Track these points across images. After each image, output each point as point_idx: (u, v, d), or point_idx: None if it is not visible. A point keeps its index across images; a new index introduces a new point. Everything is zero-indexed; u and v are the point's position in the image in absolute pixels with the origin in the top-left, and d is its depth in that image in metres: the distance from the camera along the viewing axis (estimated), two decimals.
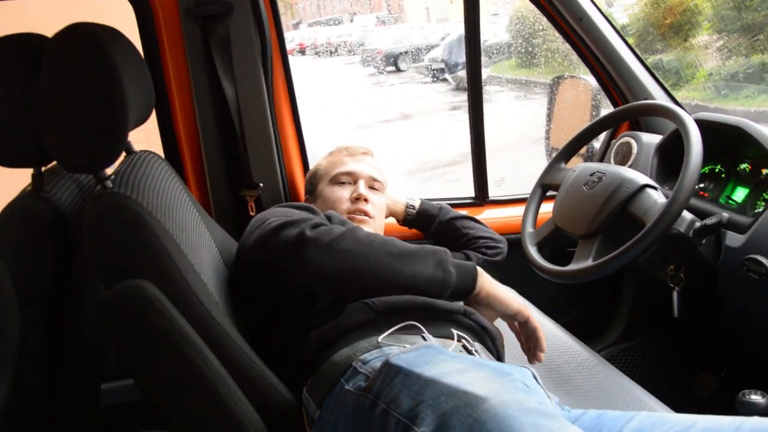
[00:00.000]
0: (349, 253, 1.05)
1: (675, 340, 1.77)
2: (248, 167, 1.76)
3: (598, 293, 1.90)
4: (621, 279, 1.86)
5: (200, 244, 1.14)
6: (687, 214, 1.27)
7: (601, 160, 1.81)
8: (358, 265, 1.06)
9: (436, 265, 1.11)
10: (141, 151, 1.17)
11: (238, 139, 1.73)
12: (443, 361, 0.92)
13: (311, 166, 1.76)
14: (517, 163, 4.82)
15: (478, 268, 1.18)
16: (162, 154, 1.54)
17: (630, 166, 1.56)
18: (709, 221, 1.25)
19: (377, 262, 1.07)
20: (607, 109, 1.84)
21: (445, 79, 7.70)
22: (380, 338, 1.02)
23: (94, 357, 1.20)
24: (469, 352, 1.07)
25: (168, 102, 1.72)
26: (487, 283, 1.17)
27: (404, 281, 1.08)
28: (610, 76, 1.75)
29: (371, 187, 1.64)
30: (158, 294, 0.89)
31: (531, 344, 1.19)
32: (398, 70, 8.61)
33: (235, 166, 1.78)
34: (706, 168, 1.51)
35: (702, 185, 1.52)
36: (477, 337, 1.14)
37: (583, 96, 1.93)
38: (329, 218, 1.40)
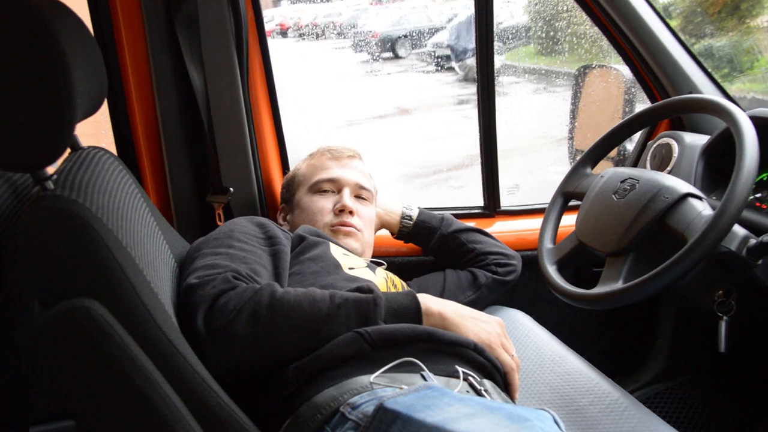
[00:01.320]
0: (246, 339, 1.05)
1: (724, 380, 1.76)
2: (217, 169, 1.76)
3: (630, 322, 1.90)
4: (658, 306, 1.86)
5: (158, 257, 1.14)
6: (739, 229, 1.27)
7: (635, 164, 1.82)
8: (259, 351, 1.07)
9: (360, 322, 1.11)
10: (89, 147, 1.17)
11: (206, 135, 1.74)
12: (448, 404, 0.92)
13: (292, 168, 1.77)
14: (535, 168, 4.83)
15: (425, 301, 1.18)
16: (114, 151, 1.54)
17: (669, 172, 1.57)
18: (766, 238, 1.24)
19: (281, 343, 1.07)
20: (643, 104, 1.84)
21: (451, 68, 7.72)
22: (372, 378, 1.02)
23: (21, 394, 1.18)
24: (478, 392, 1.07)
25: (123, 90, 1.72)
26: (439, 315, 1.17)
27: (322, 354, 1.07)
28: (648, 66, 1.76)
29: (358, 197, 1.65)
30: (108, 316, 0.88)
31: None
32: (396, 56, 8.63)
33: (202, 166, 1.78)
34: (764, 174, 1.51)
35: (758, 195, 1.50)
36: (488, 375, 1.14)
37: (615, 89, 1.94)
38: (301, 239, 1.41)
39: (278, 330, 1.07)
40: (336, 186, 1.63)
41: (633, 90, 1.89)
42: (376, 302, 1.13)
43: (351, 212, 1.59)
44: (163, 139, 1.74)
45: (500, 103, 1.99)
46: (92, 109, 1.07)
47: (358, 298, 1.14)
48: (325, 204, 1.60)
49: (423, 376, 1.04)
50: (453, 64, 7.63)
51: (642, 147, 1.85)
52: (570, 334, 1.73)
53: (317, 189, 1.63)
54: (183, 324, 1.08)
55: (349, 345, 1.07)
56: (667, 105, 1.48)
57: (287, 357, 1.07)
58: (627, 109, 1.91)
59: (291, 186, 1.71)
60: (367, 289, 1.17)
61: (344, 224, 1.57)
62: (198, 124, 1.74)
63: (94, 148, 1.18)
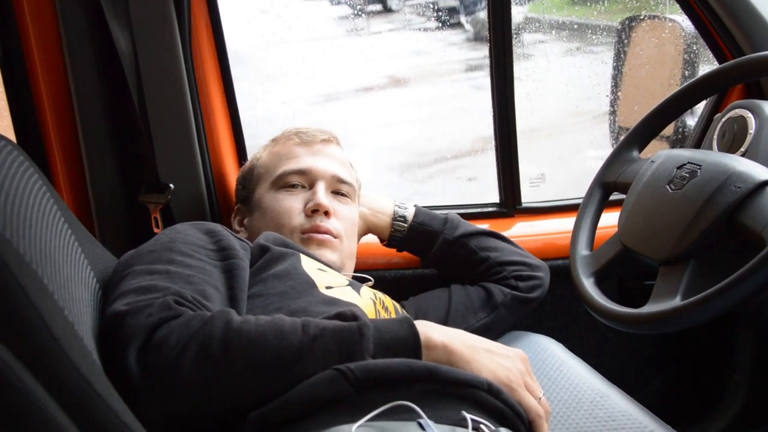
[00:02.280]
0: (193, 383, 1.04)
1: None
2: (152, 159, 1.76)
3: (695, 352, 1.91)
4: (732, 331, 1.87)
5: (74, 276, 1.13)
6: None
7: (698, 145, 1.82)
8: (209, 398, 1.06)
9: (341, 359, 1.09)
10: None
11: (137, 116, 1.73)
12: None
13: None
14: (567, 153, 4.84)
15: (425, 330, 1.17)
16: (13, 139, 1.53)
17: (743, 154, 1.57)
18: None
19: (239, 387, 1.06)
20: (708, 65, 1.84)
21: (458, 24, 7.73)
22: (355, 427, 1.01)
23: None
24: None
25: (23, 59, 1.71)
26: (443, 348, 1.16)
27: (291, 398, 1.07)
28: (715, 15, 1.75)
29: (336, 192, 1.66)
30: (5, 354, 0.87)
31: None
32: (386, 9, 8.58)
33: (132, 157, 1.78)
34: None
35: None
36: (506, 423, 1.14)
37: (671, 46, 1.94)
38: (263, 250, 1.41)
39: (235, 371, 1.06)
40: (307, 179, 1.63)
41: (695, 47, 1.89)
42: (362, 332, 1.12)
43: (327, 213, 1.59)
44: (80, 122, 1.74)
45: (521, 69, 2.00)
46: None
47: (339, 327, 1.13)
48: (293, 203, 1.60)
49: (420, 425, 1.03)
50: (461, 18, 7.63)
51: (707, 122, 1.86)
52: (615, 367, 1.74)
53: (283, 184, 1.63)
54: (108, 363, 1.07)
55: (327, 386, 1.06)
56: (742, 65, 1.46)
57: (246, 403, 1.07)
58: (687, 73, 1.92)
59: (249, 180, 1.71)
60: (350, 315, 1.16)
61: (318, 229, 1.57)
62: (126, 100, 1.73)
63: None
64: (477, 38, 7.13)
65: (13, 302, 0.91)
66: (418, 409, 1.04)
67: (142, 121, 1.73)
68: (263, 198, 1.64)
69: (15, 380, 0.87)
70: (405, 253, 1.83)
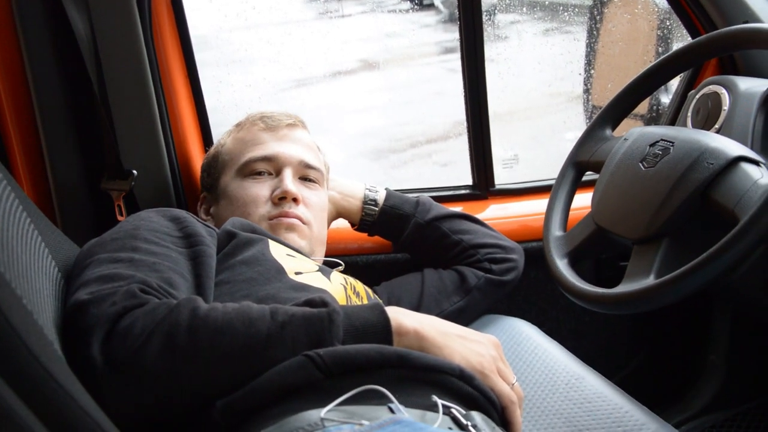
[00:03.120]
0: (159, 372, 1.04)
1: None
2: (114, 145, 1.74)
3: (671, 333, 1.92)
4: (709, 311, 1.88)
5: (33, 265, 1.12)
6: None
7: (672, 123, 1.84)
8: (175, 387, 1.06)
9: (310, 345, 1.09)
10: None
11: (97, 100, 1.72)
12: None
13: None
14: (542, 135, 4.85)
15: (396, 316, 1.18)
16: None
17: (718, 131, 1.58)
18: None
19: (206, 375, 1.07)
20: (681, 41, 1.85)
21: (431, 5, 7.71)
22: (324, 412, 1.01)
23: None
24: (464, 428, 1.06)
25: None
26: (415, 334, 1.17)
27: (258, 385, 1.07)
28: None
29: (304, 178, 1.66)
30: None
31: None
32: None
33: (93, 142, 1.77)
34: None
35: None
36: (478, 408, 1.14)
37: (644, 22, 1.95)
38: (230, 236, 1.40)
39: (202, 359, 1.06)
40: (273, 166, 1.63)
41: (669, 23, 1.90)
42: (332, 319, 1.12)
43: (295, 200, 1.59)
44: (37, 108, 1.72)
45: (495, 49, 2.01)
46: None
47: (308, 313, 1.13)
48: (259, 191, 1.60)
49: (391, 409, 1.03)
50: None
51: (681, 99, 1.87)
52: (591, 349, 1.75)
53: (249, 171, 1.63)
54: (71, 353, 1.06)
55: (295, 372, 1.06)
56: (715, 40, 1.47)
57: (214, 392, 1.07)
58: (660, 49, 1.93)
59: (214, 168, 1.70)
60: (319, 301, 1.16)
61: (287, 215, 1.57)
62: (85, 86, 1.72)
63: None
64: (451, 20, 7.12)
65: None
66: (389, 394, 1.04)
67: (102, 107, 1.72)
68: (229, 186, 1.64)
69: None
70: (377, 238, 1.84)
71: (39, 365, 0.93)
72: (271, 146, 1.64)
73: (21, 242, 1.12)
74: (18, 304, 0.96)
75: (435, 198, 1.84)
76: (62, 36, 1.69)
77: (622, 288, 1.29)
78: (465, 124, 2.02)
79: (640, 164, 1.39)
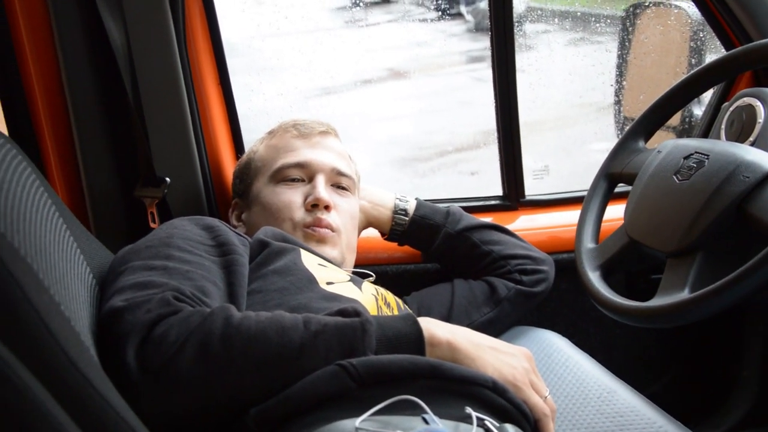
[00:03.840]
0: (193, 380, 1.05)
1: None
2: (148, 153, 1.76)
3: (704, 347, 1.91)
4: (742, 325, 1.87)
5: (70, 272, 1.13)
6: None
7: (705, 135, 1.82)
8: (209, 395, 1.07)
9: (343, 355, 1.10)
10: None
11: (132, 110, 1.73)
12: None
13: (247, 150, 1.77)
14: (571, 145, 4.83)
15: (428, 327, 1.18)
16: (4, 131, 1.53)
17: (753, 143, 1.56)
18: None
19: (240, 384, 1.07)
20: (715, 53, 1.84)
21: (459, 15, 7.71)
22: (358, 422, 1.01)
23: None
24: None
25: (13, 49, 1.72)
26: (447, 345, 1.17)
27: (292, 393, 1.07)
28: (722, 0, 1.74)
29: (336, 185, 1.66)
30: (2, 351, 0.87)
31: None
32: (385, 1, 8.59)
33: (127, 150, 1.78)
34: None
35: None
36: (511, 422, 1.14)
37: (677, 34, 1.94)
38: (262, 245, 1.41)
39: (235, 367, 1.07)
40: (306, 173, 1.63)
41: (702, 34, 1.89)
42: (365, 328, 1.13)
43: (327, 207, 1.59)
44: (73, 115, 1.74)
45: (523, 59, 2.00)
46: None
47: (341, 323, 1.13)
48: (292, 197, 1.60)
49: (425, 420, 1.03)
50: (461, 8, 7.61)
51: (714, 111, 1.85)
52: (623, 362, 1.74)
53: (282, 177, 1.63)
54: (106, 359, 1.07)
55: (329, 381, 1.06)
56: (750, 52, 1.45)
57: (247, 400, 1.07)
58: (694, 61, 1.92)
59: (246, 174, 1.71)
60: (352, 311, 1.17)
61: (319, 223, 1.58)
62: (120, 93, 1.73)
63: None
64: (478, 29, 7.11)
65: (9, 297, 0.91)
66: (423, 404, 1.04)
67: (137, 115, 1.73)
68: (261, 192, 1.64)
69: (12, 376, 0.87)
70: (406, 248, 1.84)
71: (77, 371, 0.94)
72: (304, 153, 1.64)
73: (58, 248, 1.13)
74: (56, 310, 0.98)
75: (465, 208, 1.83)
76: (98, 44, 1.71)
77: (657, 301, 1.28)
78: (492, 133, 2.02)
79: (674, 177, 1.38)
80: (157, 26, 1.70)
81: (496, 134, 2.02)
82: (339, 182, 1.66)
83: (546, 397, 1.20)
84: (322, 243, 1.58)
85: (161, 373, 1.04)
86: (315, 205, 1.59)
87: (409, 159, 5.73)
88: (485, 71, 1.99)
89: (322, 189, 1.60)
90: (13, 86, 1.73)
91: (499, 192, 2.06)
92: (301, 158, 1.64)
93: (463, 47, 7.57)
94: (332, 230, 1.59)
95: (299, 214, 1.59)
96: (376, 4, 8.48)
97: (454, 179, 5.24)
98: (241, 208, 1.72)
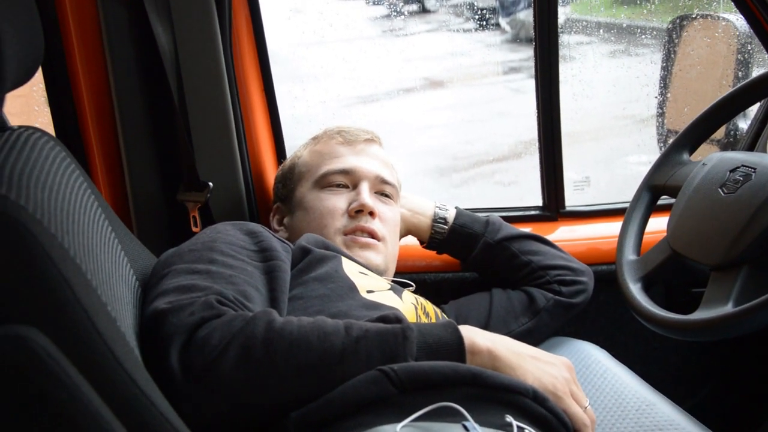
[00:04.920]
0: (235, 383, 1.06)
1: None
2: (191, 157, 1.77)
3: (746, 360, 1.89)
4: None
5: (115, 273, 1.14)
6: None
7: (751, 149, 1.81)
8: (251, 398, 1.07)
9: (383, 361, 1.10)
10: (20, 126, 1.17)
11: (176, 112, 1.75)
12: None
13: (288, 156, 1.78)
14: (612, 157, 4.80)
15: (469, 335, 1.17)
16: (52, 132, 1.55)
17: None
18: None
19: (281, 387, 1.08)
20: (762, 66, 1.82)
21: (497, 25, 7.69)
22: (399, 427, 1.01)
23: None
24: None
25: (63, 52, 1.74)
26: (488, 353, 1.17)
27: (333, 398, 1.08)
28: None
29: (380, 193, 1.66)
30: (51, 348, 0.88)
31: None
32: (424, 10, 8.56)
33: (171, 154, 1.80)
34: None
35: None
36: (551, 430, 1.14)
37: (724, 46, 1.92)
38: (304, 252, 1.41)
39: (277, 371, 1.07)
40: (351, 179, 1.64)
41: (749, 47, 1.87)
42: (406, 335, 1.13)
43: (371, 213, 1.60)
44: (119, 118, 1.76)
45: (565, 70, 1.99)
46: (24, 77, 1.08)
47: (383, 329, 1.13)
48: (337, 203, 1.61)
49: (465, 427, 1.03)
50: (500, 19, 7.60)
51: (761, 125, 1.83)
52: (662, 375, 1.72)
53: (326, 183, 1.64)
54: (150, 360, 1.08)
55: (369, 386, 1.06)
56: None
57: (288, 404, 1.08)
58: (740, 74, 1.90)
59: (289, 179, 1.71)
60: (393, 317, 1.17)
61: (362, 229, 1.58)
62: (165, 98, 1.75)
63: (27, 128, 1.17)
64: (517, 39, 7.09)
65: (59, 297, 0.92)
66: (464, 411, 1.04)
67: (181, 119, 1.75)
68: (305, 197, 1.65)
69: (61, 374, 0.88)
70: (445, 256, 1.83)
71: (123, 371, 0.95)
72: (349, 160, 1.65)
73: (103, 249, 1.14)
74: (103, 310, 0.99)
75: (505, 218, 1.83)
76: (146, 49, 1.73)
77: (700, 315, 1.27)
78: (530, 144, 2.02)
79: (720, 190, 1.37)
80: (204, 32, 1.72)
81: (536, 144, 2.01)
82: (383, 190, 1.66)
83: (586, 408, 1.20)
84: (366, 249, 1.58)
85: (204, 375, 1.05)
86: (359, 212, 1.59)
87: (446, 168, 5.72)
88: (522, 82, 2.00)
89: (367, 195, 1.60)
90: (62, 88, 1.75)
91: (538, 202, 2.05)
92: (346, 165, 1.64)
93: (501, 58, 7.54)
94: (377, 238, 1.59)
95: (342, 220, 1.59)
96: (415, 13, 8.50)
97: (490, 189, 5.22)
98: (283, 212, 1.73)
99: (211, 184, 1.78)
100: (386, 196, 1.67)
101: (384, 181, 1.66)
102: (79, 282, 0.95)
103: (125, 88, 1.74)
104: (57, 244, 0.95)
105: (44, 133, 1.20)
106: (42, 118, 1.80)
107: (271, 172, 1.91)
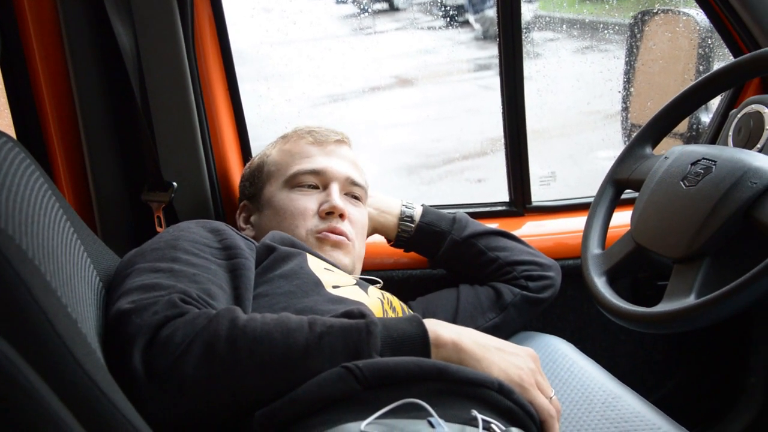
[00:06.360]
0: (199, 382, 1.05)
1: None
2: (155, 157, 1.76)
3: (710, 353, 1.90)
4: (748, 331, 1.86)
5: (76, 274, 1.14)
6: None
7: (713, 142, 1.82)
8: (215, 397, 1.07)
9: (348, 356, 1.10)
10: None
11: (140, 113, 1.74)
12: None
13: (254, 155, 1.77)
14: (578, 153, 4.82)
15: (434, 328, 1.17)
16: (13, 135, 1.54)
17: (761, 150, 1.56)
18: None
19: (245, 385, 1.07)
20: (723, 60, 1.84)
21: (466, 23, 7.71)
22: (364, 425, 1.01)
23: None
24: None
25: (23, 55, 1.72)
26: (453, 346, 1.17)
27: (298, 396, 1.07)
28: (730, 8, 1.74)
29: (349, 195, 1.66)
30: (9, 351, 0.87)
31: None
32: (392, 8, 8.56)
33: (134, 154, 1.79)
34: None
35: None
36: (517, 423, 1.14)
37: (685, 41, 1.94)
38: (269, 250, 1.41)
39: (241, 369, 1.07)
40: (321, 180, 1.64)
41: (710, 42, 1.88)
42: (370, 330, 1.12)
43: (342, 215, 1.60)
44: (81, 119, 1.75)
45: (531, 67, 2.00)
46: None
47: (346, 324, 1.13)
48: (307, 203, 1.61)
49: (430, 423, 1.03)
50: (468, 16, 7.62)
51: (722, 118, 1.85)
52: (628, 368, 1.74)
53: (296, 183, 1.63)
54: (112, 361, 1.07)
55: (334, 384, 1.06)
56: (758, 59, 1.45)
57: (253, 402, 1.07)
58: (702, 68, 1.91)
59: (258, 177, 1.71)
60: (357, 313, 1.17)
61: (333, 230, 1.58)
62: (128, 98, 1.74)
63: None
64: (485, 37, 7.11)
65: (17, 299, 0.91)
66: (428, 407, 1.04)
67: (144, 119, 1.74)
68: (275, 196, 1.64)
69: (19, 377, 0.87)
70: (413, 253, 1.84)
71: (84, 373, 0.94)
72: (320, 160, 1.65)
73: (65, 251, 1.13)
74: (64, 312, 0.98)
75: (471, 214, 1.84)
76: (107, 48, 1.72)
77: (663, 307, 1.28)
78: (499, 141, 2.02)
79: (682, 183, 1.38)
80: (166, 31, 1.71)
81: (503, 141, 2.01)
82: (352, 192, 1.66)
83: (551, 398, 1.21)
84: (336, 248, 1.58)
85: (167, 374, 1.05)
86: (329, 213, 1.59)
87: (416, 166, 5.72)
88: (492, 79, 2.01)
89: (338, 197, 1.60)
90: (22, 89, 1.74)
91: (506, 198, 2.06)
92: (316, 165, 1.64)
93: (470, 55, 7.56)
94: (347, 238, 1.60)
95: (313, 221, 1.59)
96: (383, 11, 8.50)
97: (460, 187, 5.23)
98: (250, 210, 1.72)
99: (175, 184, 1.78)
100: (355, 197, 1.67)
101: (354, 183, 1.66)
102: (37, 284, 0.94)
103: (87, 89, 1.73)
104: (14, 246, 0.94)
105: (6, 136, 1.19)
106: (2, 120, 1.78)
107: (236, 171, 1.91)
